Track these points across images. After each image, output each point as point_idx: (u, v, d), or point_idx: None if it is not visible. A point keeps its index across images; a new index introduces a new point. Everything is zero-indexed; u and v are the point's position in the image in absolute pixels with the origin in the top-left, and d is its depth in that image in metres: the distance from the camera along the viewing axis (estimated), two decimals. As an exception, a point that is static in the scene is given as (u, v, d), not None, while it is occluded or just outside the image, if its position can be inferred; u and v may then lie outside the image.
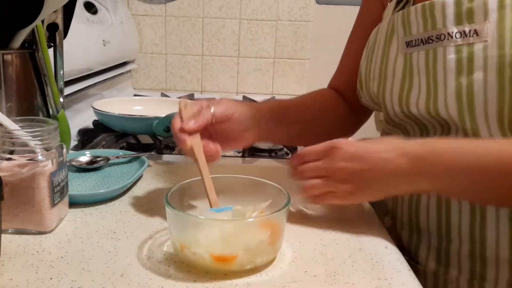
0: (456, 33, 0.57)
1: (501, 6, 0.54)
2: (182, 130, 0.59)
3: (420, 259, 0.66)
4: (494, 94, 0.54)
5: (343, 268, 0.50)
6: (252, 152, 0.97)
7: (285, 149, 1.01)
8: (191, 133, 0.59)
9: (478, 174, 0.53)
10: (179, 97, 1.37)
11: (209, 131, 0.64)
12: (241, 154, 0.97)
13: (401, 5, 0.68)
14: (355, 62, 0.80)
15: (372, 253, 0.54)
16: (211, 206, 0.56)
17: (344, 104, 0.83)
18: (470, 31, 0.56)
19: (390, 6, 0.71)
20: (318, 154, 0.58)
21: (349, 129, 0.86)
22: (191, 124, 0.59)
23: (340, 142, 0.56)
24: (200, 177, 0.57)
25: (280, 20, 1.76)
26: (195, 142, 0.59)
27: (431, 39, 0.60)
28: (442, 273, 0.63)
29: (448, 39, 0.58)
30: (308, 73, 1.77)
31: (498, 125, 0.55)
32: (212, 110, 0.62)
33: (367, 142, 0.57)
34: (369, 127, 1.80)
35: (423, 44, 0.61)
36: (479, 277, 0.60)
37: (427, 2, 0.60)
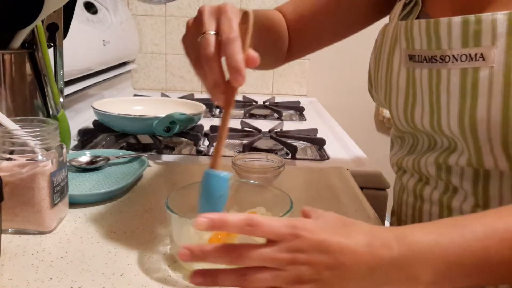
0: (461, 55, 0.54)
1: (510, 31, 0.51)
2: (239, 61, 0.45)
3: None
4: (498, 120, 0.52)
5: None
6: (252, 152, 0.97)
7: (285, 149, 1.01)
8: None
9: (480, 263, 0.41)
10: (179, 97, 1.37)
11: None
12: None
13: (408, 8, 0.65)
14: (310, 9, 0.78)
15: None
16: (209, 166, 0.48)
17: (286, 34, 0.81)
18: (476, 54, 0.53)
19: (397, 7, 0.68)
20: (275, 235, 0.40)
21: (285, 57, 0.84)
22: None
23: (307, 225, 0.40)
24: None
25: (280, 20, 1.76)
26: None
27: (434, 59, 0.57)
28: None
29: (452, 62, 0.55)
30: (308, 73, 1.77)
31: (502, 147, 0.53)
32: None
33: (334, 229, 0.41)
34: (370, 127, 1.81)
35: (427, 62, 0.58)
36: None
37: (432, 19, 0.57)
